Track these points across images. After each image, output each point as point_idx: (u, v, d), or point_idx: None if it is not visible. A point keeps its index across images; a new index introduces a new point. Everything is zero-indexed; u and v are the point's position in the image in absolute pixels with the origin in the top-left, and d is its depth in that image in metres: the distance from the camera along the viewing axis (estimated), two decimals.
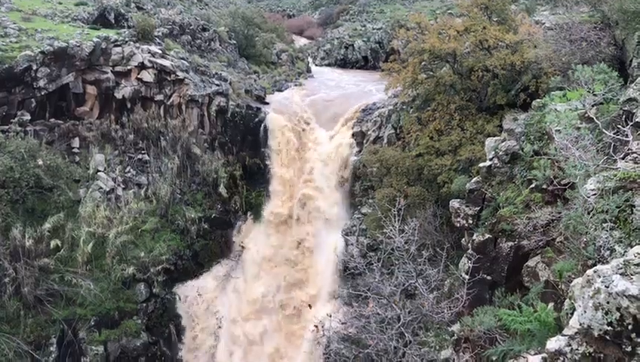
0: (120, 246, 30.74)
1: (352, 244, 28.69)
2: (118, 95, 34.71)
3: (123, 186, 33.17)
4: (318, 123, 36.13)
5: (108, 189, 32.38)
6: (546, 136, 16.20)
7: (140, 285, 30.87)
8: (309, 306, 25.49)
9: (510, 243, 16.33)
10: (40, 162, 29.95)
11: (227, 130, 36.66)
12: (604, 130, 11.80)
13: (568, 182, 12.72)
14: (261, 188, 36.26)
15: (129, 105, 35.10)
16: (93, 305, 29.00)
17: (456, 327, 16.33)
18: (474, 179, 19.86)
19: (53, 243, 29.05)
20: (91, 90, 34.33)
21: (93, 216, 30.85)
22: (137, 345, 29.78)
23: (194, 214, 33.80)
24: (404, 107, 31.39)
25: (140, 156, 34.72)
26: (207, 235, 34.37)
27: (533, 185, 15.98)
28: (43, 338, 27.47)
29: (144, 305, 30.86)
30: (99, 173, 32.81)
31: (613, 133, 11.55)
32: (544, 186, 15.26)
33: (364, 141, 33.30)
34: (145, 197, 33.32)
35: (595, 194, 9.81)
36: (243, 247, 34.98)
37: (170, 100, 35.59)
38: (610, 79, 14.20)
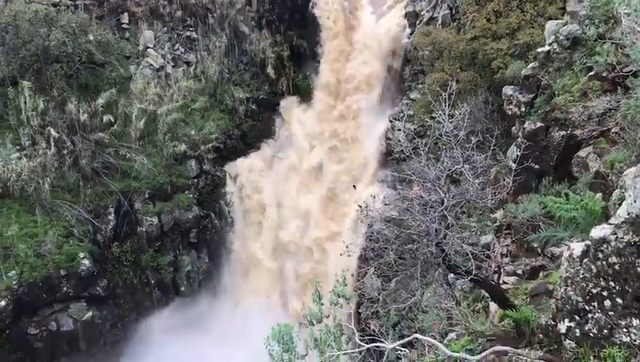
0: (171, 124, 31.52)
1: (399, 130, 28.51)
2: None
3: (172, 64, 33.36)
4: (369, 1, 34.62)
5: (158, 66, 32.65)
6: (613, 20, 15.19)
7: (190, 161, 31.94)
8: (354, 187, 25.99)
9: (562, 133, 15.93)
10: (91, 37, 30.19)
11: (274, 7, 35.69)
12: None
13: (631, 70, 12.09)
14: (308, 71, 35.81)
15: None
16: (147, 179, 30.35)
17: (499, 214, 16.49)
18: (530, 65, 19.07)
19: (106, 119, 30.00)
20: None
21: (144, 92, 31.43)
22: (189, 218, 31.35)
23: (242, 94, 33.98)
24: None
25: (188, 33, 34.49)
26: (254, 116, 34.74)
27: (592, 73, 15.27)
28: (101, 207, 29.20)
29: (195, 180, 32.11)
30: (148, 50, 32.95)
31: None
32: (604, 74, 14.57)
33: (417, 22, 31.85)
34: (194, 76, 33.53)
35: None
36: (289, 129, 35.31)
37: None
38: None
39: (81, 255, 27.37)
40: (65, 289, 27.00)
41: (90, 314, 27.54)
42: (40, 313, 26.69)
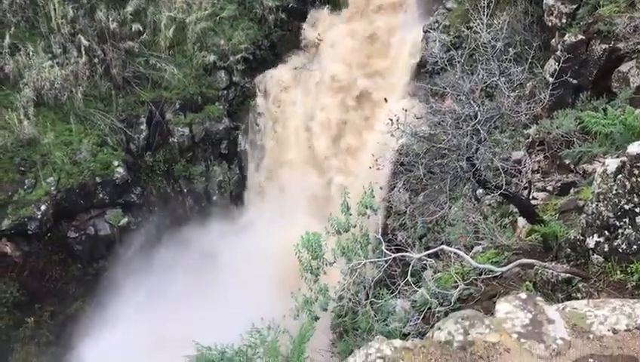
0: (200, 33, 31.09)
1: (433, 41, 27.63)
2: None
3: None
4: None
5: None
6: None
7: (220, 72, 31.74)
8: (385, 100, 25.62)
9: (604, 46, 15.29)
10: None
11: None
12: None
13: None
14: None
15: None
16: (178, 89, 30.38)
17: (532, 130, 16.21)
18: None
19: (135, 27, 29.69)
20: None
21: (173, 0, 30.85)
22: (220, 129, 31.56)
23: (271, 2, 33.08)
24: None
25: None
26: (284, 25, 33.92)
27: None
28: (133, 117, 29.54)
29: (225, 92, 32.04)
30: None
31: None
32: None
33: None
34: None
35: None
36: (319, 39, 34.50)
37: None
38: None
39: (115, 163, 28.03)
40: (101, 195, 27.91)
41: (125, 220, 28.57)
42: (78, 218, 27.82)
